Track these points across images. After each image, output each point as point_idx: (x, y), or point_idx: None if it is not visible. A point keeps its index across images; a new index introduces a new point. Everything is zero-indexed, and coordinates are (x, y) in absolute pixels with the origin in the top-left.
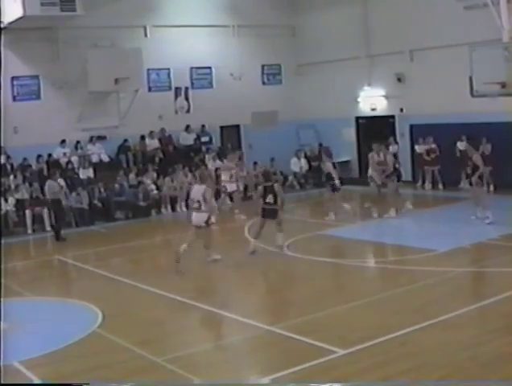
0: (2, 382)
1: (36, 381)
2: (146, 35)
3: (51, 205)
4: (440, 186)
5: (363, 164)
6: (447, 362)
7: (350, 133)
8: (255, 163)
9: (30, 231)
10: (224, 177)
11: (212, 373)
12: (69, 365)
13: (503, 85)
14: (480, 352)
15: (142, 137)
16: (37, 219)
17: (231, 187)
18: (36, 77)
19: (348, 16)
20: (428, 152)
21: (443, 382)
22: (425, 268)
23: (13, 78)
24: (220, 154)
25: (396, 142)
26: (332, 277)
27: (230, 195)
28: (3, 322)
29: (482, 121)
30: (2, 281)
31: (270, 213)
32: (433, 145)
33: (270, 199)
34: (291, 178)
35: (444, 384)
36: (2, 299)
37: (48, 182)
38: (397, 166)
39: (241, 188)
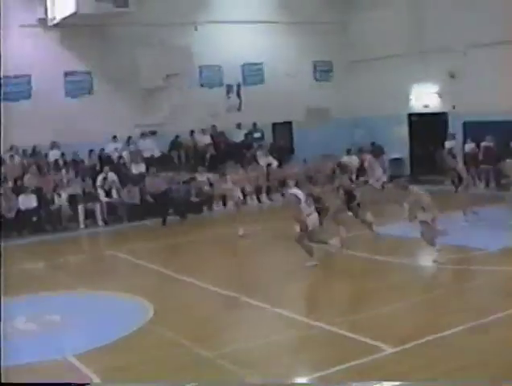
0: (3, 381)
1: (37, 381)
2: (196, 32)
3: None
4: (493, 184)
5: (415, 161)
6: (497, 362)
7: (402, 131)
8: (304, 161)
9: (82, 226)
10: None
11: (261, 369)
12: (121, 359)
13: None
14: None
15: (192, 133)
16: (89, 214)
17: None
18: (88, 73)
19: (399, 12)
20: (487, 150)
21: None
22: (475, 268)
23: (65, 74)
24: (272, 151)
25: (454, 137)
26: (383, 275)
27: None
28: (55, 314)
29: None
30: (2, 281)
31: None
32: (491, 144)
33: None
34: None
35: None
36: (1, 299)
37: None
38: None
39: None
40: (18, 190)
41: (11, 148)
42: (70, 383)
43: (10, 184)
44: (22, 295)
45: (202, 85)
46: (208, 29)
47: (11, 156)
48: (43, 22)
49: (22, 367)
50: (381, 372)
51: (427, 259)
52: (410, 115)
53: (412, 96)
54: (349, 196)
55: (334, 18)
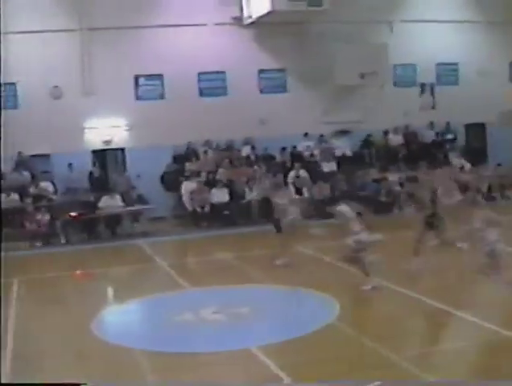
0: (2, 381)
1: (37, 381)
2: (391, 30)
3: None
4: None
5: None
6: None
7: None
8: (499, 165)
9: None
10: None
11: (445, 374)
12: (303, 355)
13: None
14: None
15: (386, 133)
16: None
17: None
18: (283, 70)
19: None
20: None
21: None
22: None
23: (260, 71)
24: (465, 153)
25: None
26: None
27: None
28: (243, 307)
29: None
30: (2, 281)
31: None
32: None
33: None
34: None
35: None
36: (1, 297)
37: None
38: None
39: None
40: (211, 183)
41: (206, 142)
42: (70, 383)
43: (204, 178)
44: (212, 286)
45: (395, 84)
46: (404, 27)
47: (205, 151)
48: (238, 20)
49: (207, 355)
50: None
51: None
52: None
53: None
54: None
55: None
